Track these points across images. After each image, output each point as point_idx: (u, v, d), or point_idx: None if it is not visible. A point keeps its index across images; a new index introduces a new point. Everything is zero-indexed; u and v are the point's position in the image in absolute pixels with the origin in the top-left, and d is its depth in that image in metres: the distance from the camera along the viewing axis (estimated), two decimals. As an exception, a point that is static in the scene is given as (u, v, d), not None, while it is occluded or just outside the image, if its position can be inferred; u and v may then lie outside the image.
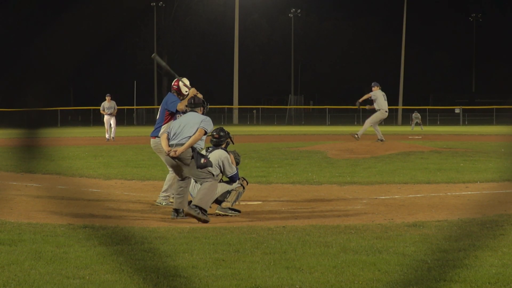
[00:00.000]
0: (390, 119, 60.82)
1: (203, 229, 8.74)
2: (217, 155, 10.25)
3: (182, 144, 9.76)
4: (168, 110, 11.14)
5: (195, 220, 9.51)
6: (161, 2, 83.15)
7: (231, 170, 10.24)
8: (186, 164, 9.79)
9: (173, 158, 9.81)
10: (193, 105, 10.25)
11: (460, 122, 66.39)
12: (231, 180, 10.32)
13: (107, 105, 30.39)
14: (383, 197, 12.03)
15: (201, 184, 9.87)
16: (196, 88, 10.99)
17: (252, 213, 10.47)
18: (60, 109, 61.48)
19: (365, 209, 10.71)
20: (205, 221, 9.48)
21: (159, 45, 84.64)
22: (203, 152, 10.21)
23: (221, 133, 10.57)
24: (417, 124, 52.77)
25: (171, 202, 10.83)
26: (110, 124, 30.44)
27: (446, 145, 25.04)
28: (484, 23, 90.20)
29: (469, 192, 12.62)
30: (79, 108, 68.12)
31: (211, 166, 9.94)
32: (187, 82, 11.24)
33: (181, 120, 10.12)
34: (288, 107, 77.50)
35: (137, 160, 19.25)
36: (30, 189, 13.13)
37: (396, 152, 20.56)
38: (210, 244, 7.66)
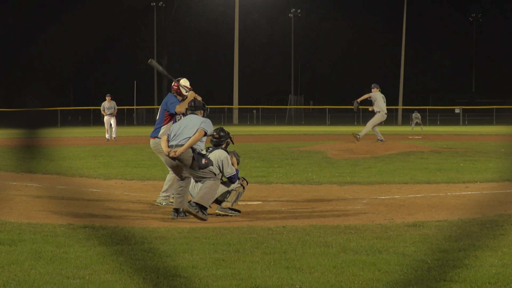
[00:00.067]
0: (390, 119, 60.83)
1: (203, 229, 8.74)
2: (216, 155, 10.26)
3: (182, 145, 9.78)
4: (168, 111, 11.14)
5: (195, 220, 9.52)
6: (161, 2, 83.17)
7: (230, 171, 10.25)
8: (187, 164, 9.80)
9: (173, 158, 9.82)
10: (193, 107, 10.29)
11: (460, 122, 66.39)
12: (230, 180, 10.33)
13: (107, 105, 30.38)
14: (383, 197, 12.03)
15: (202, 183, 9.89)
16: (196, 88, 11.00)
17: (252, 213, 10.47)
18: (60, 109, 61.49)
19: (365, 209, 10.71)
20: (203, 220, 9.51)
21: (159, 45, 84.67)
22: (203, 152, 10.22)
23: (221, 133, 10.58)
24: (417, 124, 52.77)
25: (171, 202, 10.83)
26: (110, 124, 30.44)
27: (446, 145, 25.04)
28: (484, 23, 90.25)
29: (469, 192, 12.62)
30: (79, 108, 68.13)
31: (212, 165, 9.97)
32: (187, 82, 11.23)
33: (181, 122, 10.16)
34: (288, 107, 77.52)
35: (137, 160, 19.25)
36: (30, 189, 13.13)
37: (396, 152, 20.56)
38: (210, 244, 7.66)
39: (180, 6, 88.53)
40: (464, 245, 7.47)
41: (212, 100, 76.57)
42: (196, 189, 10.26)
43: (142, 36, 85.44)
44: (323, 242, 7.75)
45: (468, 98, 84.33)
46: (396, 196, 12.13)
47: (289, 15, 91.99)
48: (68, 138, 33.49)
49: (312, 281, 6.13)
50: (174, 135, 9.96)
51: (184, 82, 11.22)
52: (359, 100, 22.53)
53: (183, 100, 11.07)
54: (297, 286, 6.01)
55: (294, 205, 11.29)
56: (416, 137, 33.71)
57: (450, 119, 68.24)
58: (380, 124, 23.32)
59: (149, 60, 12.06)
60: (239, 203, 10.72)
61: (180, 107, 10.91)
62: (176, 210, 9.89)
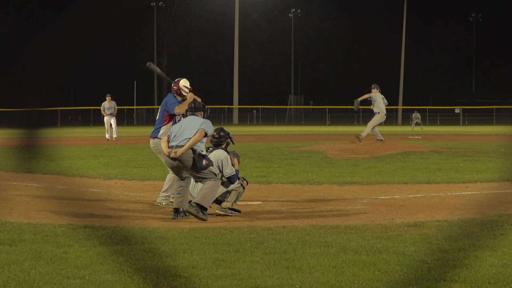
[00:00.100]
0: (390, 119, 60.85)
1: (203, 229, 8.74)
2: (216, 155, 10.27)
3: (182, 146, 9.78)
4: (167, 112, 11.15)
5: (195, 220, 9.52)
6: (161, 2, 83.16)
7: (229, 171, 10.25)
8: (187, 166, 9.79)
9: (173, 159, 9.82)
10: (193, 109, 10.31)
11: (460, 122, 66.39)
12: (229, 181, 10.33)
13: (107, 105, 30.38)
14: (383, 197, 12.03)
15: (203, 183, 9.90)
16: (196, 88, 11.00)
17: (252, 213, 10.47)
18: (60, 109, 61.48)
19: (365, 209, 10.71)
20: (204, 220, 9.52)
21: (159, 45, 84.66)
22: (204, 153, 10.22)
23: (221, 133, 10.58)
24: (417, 124, 52.77)
25: (171, 202, 10.83)
26: (111, 124, 30.44)
27: (446, 145, 25.04)
28: (484, 23, 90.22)
29: (469, 192, 12.62)
30: (79, 108, 68.12)
31: (213, 166, 9.99)
32: (187, 83, 11.23)
33: (182, 123, 10.18)
34: (288, 107, 77.51)
35: (137, 160, 19.25)
36: (30, 189, 13.13)
37: (396, 152, 20.56)
38: (210, 244, 7.66)
39: (180, 6, 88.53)
40: (464, 245, 7.47)
41: (212, 100, 76.65)
42: (196, 189, 10.26)
43: (142, 36, 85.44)
44: (323, 242, 7.74)
45: (468, 98, 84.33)
46: (396, 196, 12.13)
47: (289, 15, 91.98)
48: (68, 138, 33.50)
49: (312, 281, 6.13)
50: (174, 136, 9.96)
51: (184, 82, 11.22)
52: (359, 99, 22.53)
53: (183, 100, 11.07)
54: (297, 286, 6.01)
55: (294, 205, 11.29)
56: (416, 137, 33.72)
57: (450, 119, 68.24)
58: (380, 124, 23.32)
59: (148, 63, 12.04)
60: (239, 203, 10.71)
61: (179, 109, 10.91)
62: (176, 210, 9.89)
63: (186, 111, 10.58)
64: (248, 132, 42.02)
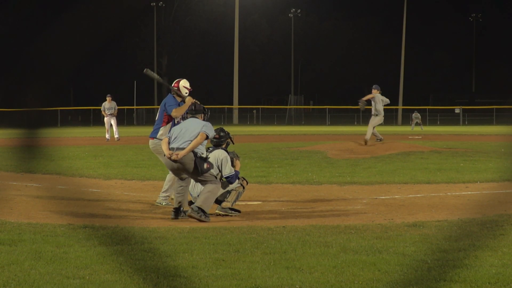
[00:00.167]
0: (390, 119, 60.87)
1: (203, 229, 8.74)
2: (216, 155, 10.28)
3: (183, 148, 9.76)
4: (166, 113, 11.14)
5: (195, 220, 9.51)
6: (161, 2, 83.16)
7: (228, 171, 10.24)
8: (188, 168, 9.76)
9: (174, 161, 9.80)
10: (194, 111, 10.30)
11: (460, 122, 66.39)
12: (228, 181, 10.32)
13: (108, 105, 30.37)
14: (383, 197, 12.03)
15: (203, 185, 9.88)
16: (196, 88, 10.99)
17: (252, 213, 10.47)
18: (60, 109, 61.48)
19: (365, 209, 10.71)
20: (206, 222, 9.52)
21: (159, 45, 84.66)
22: (204, 155, 10.21)
23: (221, 133, 10.59)
24: (417, 124, 52.77)
25: (171, 202, 10.83)
26: (111, 125, 30.44)
27: (446, 145, 25.04)
28: (484, 23, 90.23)
29: (469, 192, 12.63)
30: (79, 108, 68.13)
31: (213, 168, 9.98)
32: (187, 83, 11.23)
33: (182, 125, 10.15)
34: (288, 107, 77.51)
35: (137, 160, 19.25)
36: (30, 189, 13.13)
37: (396, 152, 20.57)
38: (210, 244, 7.66)
39: (180, 6, 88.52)
40: (464, 245, 7.47)
41: (212, 100, 76.68)
42: (196, 189, 10.26)
43: (142, 36, 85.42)
44: (323, 242, 7.74)
45: (468, 98, 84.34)
46: (396, 196, 12.13)
47: (289, 15, 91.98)
48: (68, 138, 33.49)
49: (312, 281, 6.13)
50: (175, 138, 9.93)
51: (184, 83, 11.21)
52: (364, 99, 22.41)
53: (182, 101, 11.06)
54: (297, 286, 6.01)
55: (294, 205, 11.29)
56: (416, 137, 33.71)
57: (450, 119, 68.24)
58: (380, 124, 23.32)
59: (145, 70, 12.02)
60: (239, 203, 10.72)
61: (177, 112, 10.89)
62: (176, 210, 9.88)
63: (187, 112, 10.57)
64: (248, 132, 42.01)
